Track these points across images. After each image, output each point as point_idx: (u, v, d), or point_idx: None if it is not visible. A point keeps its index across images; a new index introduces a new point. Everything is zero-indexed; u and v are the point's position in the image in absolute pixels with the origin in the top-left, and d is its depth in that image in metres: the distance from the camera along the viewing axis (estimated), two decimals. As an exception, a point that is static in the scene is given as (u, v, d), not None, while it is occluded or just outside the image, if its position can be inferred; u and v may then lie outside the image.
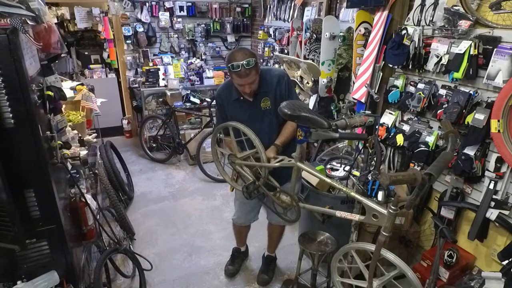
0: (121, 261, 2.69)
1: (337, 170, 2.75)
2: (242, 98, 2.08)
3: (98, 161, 3.16)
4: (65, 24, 5.99)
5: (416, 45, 2.44)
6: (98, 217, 2.30)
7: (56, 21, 5.18)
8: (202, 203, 3.72)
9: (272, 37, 4.69)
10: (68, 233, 1.70)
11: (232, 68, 1.88)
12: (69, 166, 2.03)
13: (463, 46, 2.13)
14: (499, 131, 1.94)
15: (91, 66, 5.66)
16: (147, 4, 4.76)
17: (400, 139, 2.64)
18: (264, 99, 2.07)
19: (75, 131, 2.50)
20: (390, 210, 1.44)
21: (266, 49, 4.88)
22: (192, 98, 4.84)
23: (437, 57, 2.34)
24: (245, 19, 5.36)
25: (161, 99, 4.96)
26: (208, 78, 5.05)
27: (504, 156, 1.97)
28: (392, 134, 2.74)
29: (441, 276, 2.27)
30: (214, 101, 2.40)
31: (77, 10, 5.23)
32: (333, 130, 1.68)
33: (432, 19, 2.38)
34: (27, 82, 1.39)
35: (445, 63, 2.29)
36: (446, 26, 2.26)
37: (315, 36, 3.41)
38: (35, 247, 1.60)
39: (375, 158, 2.29)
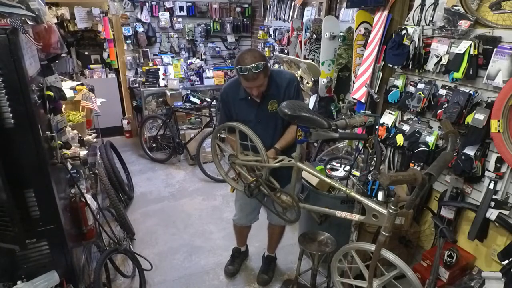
0: (121, 261, 2.69)
1: (337, 170, 2.75)
2: (249, 98, 2.06)
3: (98, 161, 3.16)
4: (65, 24, 5.98)
5: (416, 45, 2.44)
6: (98, 217, 2.29)
7: (56, 21, 5.17)
8: (202, 203, 3.72)
9: (272, 37, 4.70)
10: (68, 233, 1.70)
11: (240, 71, 1.86)
12: (69, 166, 2.02)
13: (463, 46, 2.13)
14: (499, 131, 1.94)
15: (91, 66, 5.65)
16: (147, 4, 4.76)
17: (400, 139, 2.64)
18: (272, 101, 2.06)
19: (75, 131, 2.49)
20: (390, 210, 1.44)
21: (266, 49, 4.88)
22: (192, 98, 4.83)
23: (437, 57, 2.34)
24: (245, 19, 5.37)
25: (161, 99, 4.96)
26: (208, 78, 5.05)
27: (504, 156, 1.97)
28: (392, 134, 2.74)
29: (441, 276, 2.27)
30: (219, 98, 2.33)
31: (77, 10, 5.23)
32: (333, 130, 1.68)
33: (432, 19, 2.38)
34: (27, 82, 1.38)
35: (445, 63, 2.29)
36: (446, 26, 2.26)
37: (315, 36, 3.41)
38: (35, 247, 1.60)
39: (375, 158, 2.29)
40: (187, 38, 5.14)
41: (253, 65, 1.82)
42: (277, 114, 2.05)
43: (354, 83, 3.10)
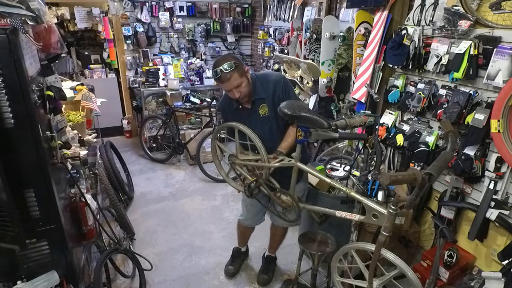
0: (121, 261, 2.69)
1: (337, 170, 2.75)
2: (241, 106, 2.07)
3: (98, 161, 3.16)
4: (65, 24, 5.99)
5: (416, 45, 2.44)
6: (98, 217, 2.29)
7: (56, 21, 5.18)
8: (202, 203, 3.72)
9: (272, 37, 4.70)
10: (68, 233, 1.70)
11: (215, 75, 1.92)
12: (69, 166, 2.02)
13: (463, 46, 2.13)
14: (499, 131, 1.94)
15: (91, 66, 5.66)
16: (147, 4, 4.76)
17: (400, 139, 2.64)
18: (262, 105, 2.06)
19: (75, 131, 2.49)
20: (390, 210, 1.44)
21: (266, 49, 4.89)
22: (192, 98, 4.84)
23: (437, 57, 2.34)
24: (245, 19, 5.37)
25: (161, 99, 4.96)
26: (208, 78, 5.05)
27: (504, 156, 1.96)
28: (392, 134, 2.74)
29: (441, 276, 2.27)
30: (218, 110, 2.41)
31: (77, 10, 5.23)
32: (333, 130, 1.68)
33: (432, 19, 2.38)
34: (27, 82, 1.38)
35: (445, 63, 2.29)
36: (446, 26, 2.26)
37: (315, 36, 3.41)
38: (35, 247, 1.60)
39: (375, 158, 2.29)
40: (187, 38, 5.14)
41: (223, 66, 1.87)
42: (270, 117, 2.06)
43: (354, 83, 3.10)
